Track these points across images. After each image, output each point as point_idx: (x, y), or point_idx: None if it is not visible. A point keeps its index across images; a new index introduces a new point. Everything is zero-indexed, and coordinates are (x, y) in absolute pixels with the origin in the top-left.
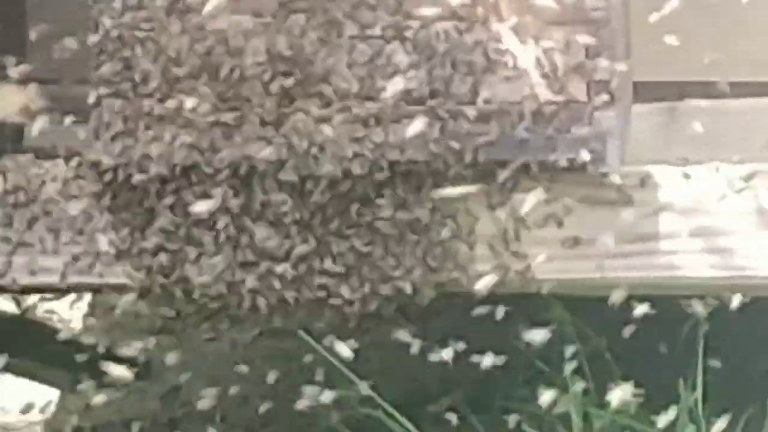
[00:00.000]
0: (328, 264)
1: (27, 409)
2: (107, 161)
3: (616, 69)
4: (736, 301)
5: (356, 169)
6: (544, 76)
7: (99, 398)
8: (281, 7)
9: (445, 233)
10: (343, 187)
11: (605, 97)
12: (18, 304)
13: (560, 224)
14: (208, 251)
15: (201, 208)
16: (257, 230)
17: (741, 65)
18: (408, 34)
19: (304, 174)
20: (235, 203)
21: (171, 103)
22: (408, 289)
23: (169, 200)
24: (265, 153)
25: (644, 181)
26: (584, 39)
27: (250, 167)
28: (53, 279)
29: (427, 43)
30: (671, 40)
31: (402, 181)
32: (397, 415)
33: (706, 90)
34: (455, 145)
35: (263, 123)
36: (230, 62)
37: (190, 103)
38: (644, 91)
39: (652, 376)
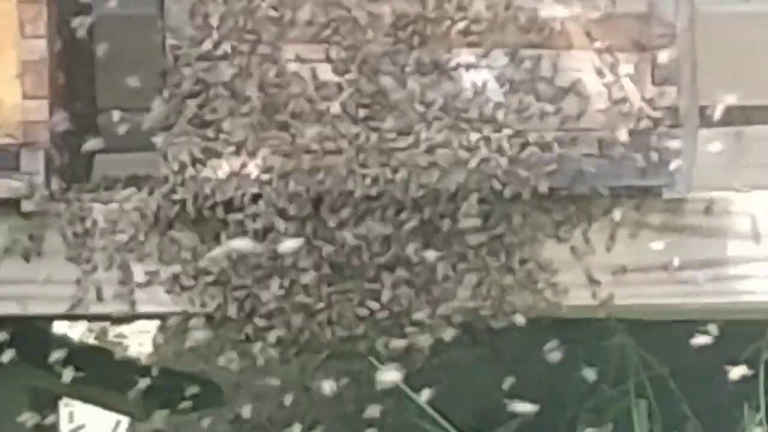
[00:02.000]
0: (404, 289)
1: None
2: (177, 195)
3: (682, 97)
4: None
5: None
6: (612, 103)
7: (170, 423)
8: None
9: (523, 258)
10: (421, 212)
11: (672, 123)
12: (88, 328)
13: (627, 249)
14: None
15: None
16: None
17: None
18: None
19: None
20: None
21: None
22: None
23: (238, 230)
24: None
25: (711, 207)
26: (650, 66)
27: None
28: (123, 307)
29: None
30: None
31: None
32: None
33: None
34: (524, 172)
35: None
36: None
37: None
38: (711, 116)
39: (714, 399)
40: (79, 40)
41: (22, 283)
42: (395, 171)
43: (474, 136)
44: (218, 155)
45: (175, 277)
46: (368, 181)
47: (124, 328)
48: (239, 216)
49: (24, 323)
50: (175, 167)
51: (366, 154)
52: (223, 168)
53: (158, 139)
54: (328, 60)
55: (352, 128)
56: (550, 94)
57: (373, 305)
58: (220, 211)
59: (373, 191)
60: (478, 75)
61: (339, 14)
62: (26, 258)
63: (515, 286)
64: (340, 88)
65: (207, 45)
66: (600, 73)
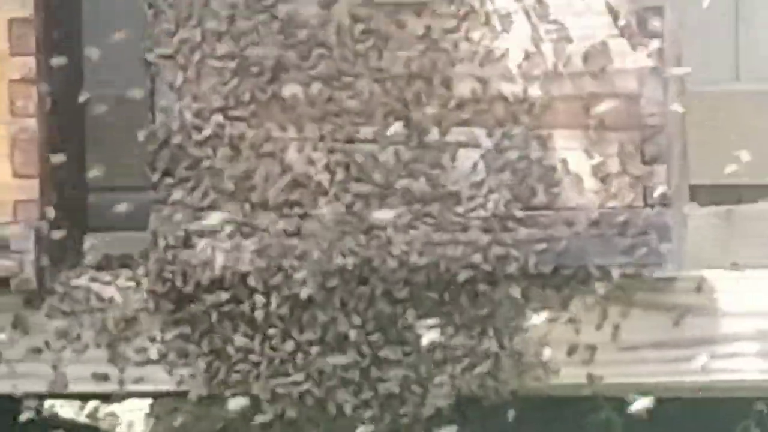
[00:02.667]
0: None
1: None
2: (166, 273)
3: (672, 176)
4: None
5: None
6: (602, 181)
7: None
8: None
9: (513, 336)
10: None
11: (662, 201)
12: (80, 407)
13: (616, 328)
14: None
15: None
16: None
17: None
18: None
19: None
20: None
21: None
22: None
23: (228, 309)
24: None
25: (701, 285)
26: (639, 145)
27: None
28: (112, 386)
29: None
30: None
31: (468, 285)
32: None
33: (764, 193)
34: (514, 251)
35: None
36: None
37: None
38: (701, 195)
39: None
40: (70, 118)
41: (9, 361)
42: (381, 249)
43: (463, 215)
44: (207, 235)
45: (163, 356)
46: (352, 259)
47: (115, 407)
48: (226, 295)
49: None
50: (164, 246)
51: (351, 233)
52: (212, 248)
53: (150, 219)
54: (321, 139)
55: (340, 209)
56: (539, 172)
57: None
58: (207, 290)
59: (353, 267)
60: (468, 153)
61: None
62: (11, 341)
63: (505, 364)
64: (329, 170)
65: (196, 124)
66: (589, 152)
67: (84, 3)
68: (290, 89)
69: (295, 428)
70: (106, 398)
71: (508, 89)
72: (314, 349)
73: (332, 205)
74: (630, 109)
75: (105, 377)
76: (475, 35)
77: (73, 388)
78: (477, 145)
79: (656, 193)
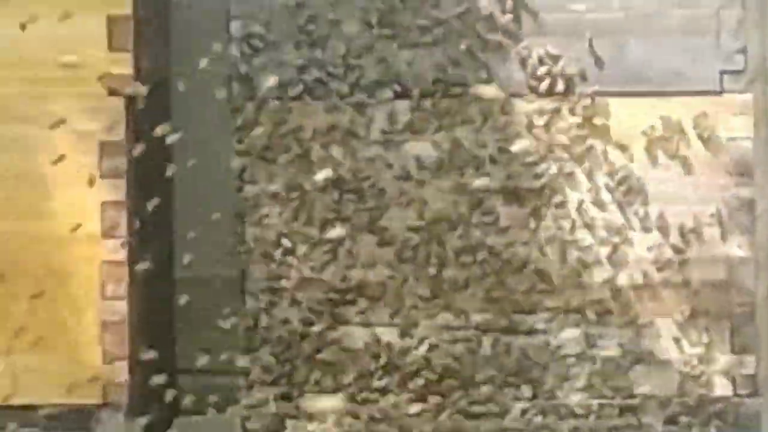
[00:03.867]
0: None
1: None
2: None
3: (761, 365)
4: None
5: None
6: (691, 368)
7: None
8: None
9: None
10: None
11: (751, 391)
12: None
13: None
14: None
15: None
16: None
17: None
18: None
19: None
20: None
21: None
22: None
23: None
24: None
25: None
26: (729, 334)
27: None
28: None
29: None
30: None
31: None
32: None
33: None
34: None
35: None
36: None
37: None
38: None
39: None
40: (157, 299)
41: None
42: None
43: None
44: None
45: None
46: None
47: None
48: None
49: None
50: None
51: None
52: None
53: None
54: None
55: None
56: (629, 359)
57: None
58: None
59: None
60: (561, 337)
61: None
62: None
63: None
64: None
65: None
66: (680, 340)
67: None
68: None
69: None
70: None
71: (599, 275)
72: None
73: None
74: (719, 298)
75: None
76: (565, 224)
77: None
78: (564, 330)
79: (745, 383)
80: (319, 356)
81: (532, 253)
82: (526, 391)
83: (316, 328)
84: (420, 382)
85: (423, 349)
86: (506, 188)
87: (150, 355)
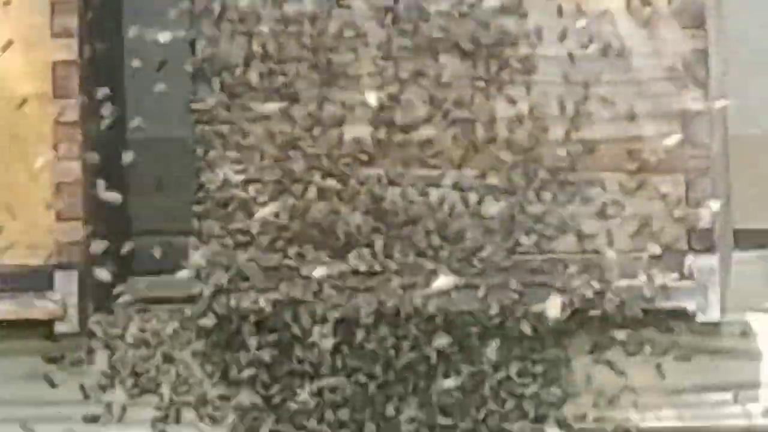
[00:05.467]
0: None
1: None
2: (211, 318)
3: (715, 216)
4: None
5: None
6: (646, 225)
7: None
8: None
9: (545, 383)
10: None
11: (706, 245)
12: None
13: (660, 372)
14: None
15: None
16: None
17: None
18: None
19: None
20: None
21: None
22: None
23: (269, 350)
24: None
25: (745, 331)
26: (684, 188)
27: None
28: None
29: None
30: None
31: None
32: None
33: None
34: (560, 294)
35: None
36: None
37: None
38: (745, 239)
39: None
40: (112, 163)
41: (48, 404)
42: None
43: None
44: (251, 276)
45: (203, 401)
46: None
47: None
48: (274, 337)
49: None
50: (209, 288)
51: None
52: (257, 289)
53: (193, 259)
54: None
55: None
56: (582, 215)
57: None
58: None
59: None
60: (507, 195)
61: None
62: (51, 383)
63: (548, 408)
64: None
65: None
66: (632, 195)
67: (126, 43)
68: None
69: None
70: None
71: (553, 133)
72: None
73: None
74: (674, 152)
75: (148, 420)
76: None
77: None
78: (513, 191)
79: (700, 236)
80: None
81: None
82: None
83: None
84: None
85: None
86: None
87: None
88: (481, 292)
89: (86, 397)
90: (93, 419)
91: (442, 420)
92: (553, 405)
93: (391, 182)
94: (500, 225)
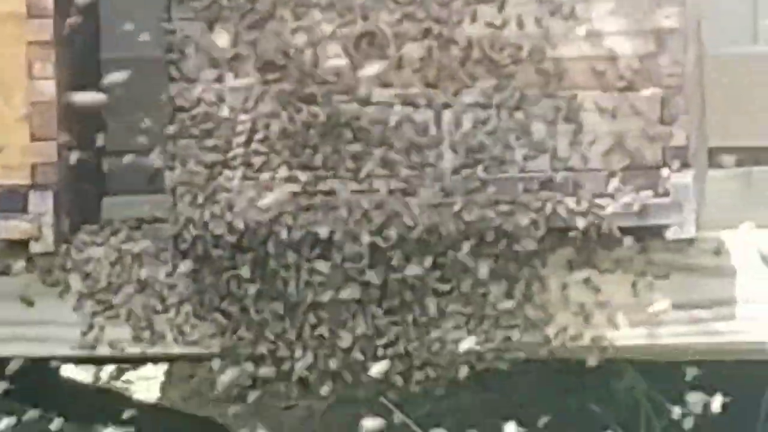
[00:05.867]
0: (397, 328)
1: None
2: (186, 234)
3: (691, 137)
4: None
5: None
6: (620, 141)
7: None
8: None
9: (516, 297)
10: (410, 250)
11: (681, 162)
12: (96, 374)
13: (635, 289)
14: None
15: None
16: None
17: None
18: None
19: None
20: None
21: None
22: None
23: (245, 270)
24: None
25: (719, 247)
26: (659, 105)
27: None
28: (130, 350)
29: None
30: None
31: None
32: None
33: None
34: (534, 212)
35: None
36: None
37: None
38: (720, 157)
39: None
40: (86, 82)
41: (25, 324)
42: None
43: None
44: (226, 192)
45: (182, 317)
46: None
47: (131, 374)
48: (249, 256)
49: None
50: (183, 206)
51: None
52: (231, 206)
53: (167, 180)
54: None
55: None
56: (555, 133)
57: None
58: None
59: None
60: (482, 113)
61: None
62: (29, 303)
63: (518, 326)
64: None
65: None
66: (607, 112)
67: None
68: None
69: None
70: (122, 362)
71: (527, 52)
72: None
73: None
74: (649, 69)
75: (124, 340)
76: None
77: (91, 351)
78: (490, 105)
79: (675, 154)
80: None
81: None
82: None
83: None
84: None
85: None
86: None
87: (71, 136)
88: (456, 207)
89: (63, 317)
90: (71, 339)
91: (414, 341)
92: (531, 323)
93: (366, 102)
94: (475, 143)
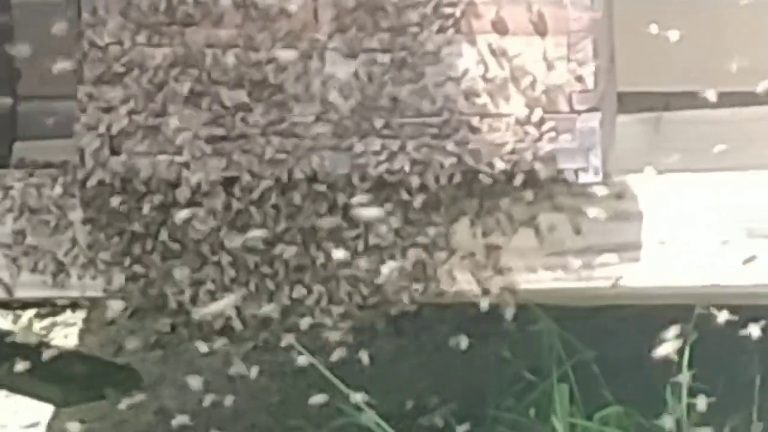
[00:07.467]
0: (308, 277)
1: (32, 426)
2: (92, 180)
3: (599, 81)
4: (723, 316)
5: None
6: (525, 87)
7: (93, 413)
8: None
9: (423, 244)
10: (318, 197)
11: (588, 107)
12: (14, 320)
13: (540, 234)
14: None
15: (182, 215)
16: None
17: (727, 75)
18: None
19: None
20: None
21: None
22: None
23: (156, 215)
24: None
25: (626, 192)
26: (566, 49)
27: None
28: (47, 293)
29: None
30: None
31: (376, 192)
32: (386, 427)
33: (692, 100)
34: (438, 157)
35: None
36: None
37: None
38: (629, 102)
39: (637, 387)
40: None
41: None
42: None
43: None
44: (133, 137)
45: (92, 261)
46: (282, 167)
47: (49, 319)
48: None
49: None
50: (91, 151)
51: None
52: (138, 151)
53: (77, 126)
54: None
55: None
56: (458, 78)
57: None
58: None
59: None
60: (381, 59)
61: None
62: None
63: (429, 270)
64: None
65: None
66: (512, 56)
67: None
68: None
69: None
70: (39, 307)
71: None
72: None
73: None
74: (556, 14)
75: (42, 283)
76: None
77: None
78: (392, 50)
79: (582, 98)
80: None
81: None
82: None
83: None
84: None
85: None
86: None
87: None
88: (357, 149)
89: None
90: None
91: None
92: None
93: (252, 48)
94: (358, 90)
